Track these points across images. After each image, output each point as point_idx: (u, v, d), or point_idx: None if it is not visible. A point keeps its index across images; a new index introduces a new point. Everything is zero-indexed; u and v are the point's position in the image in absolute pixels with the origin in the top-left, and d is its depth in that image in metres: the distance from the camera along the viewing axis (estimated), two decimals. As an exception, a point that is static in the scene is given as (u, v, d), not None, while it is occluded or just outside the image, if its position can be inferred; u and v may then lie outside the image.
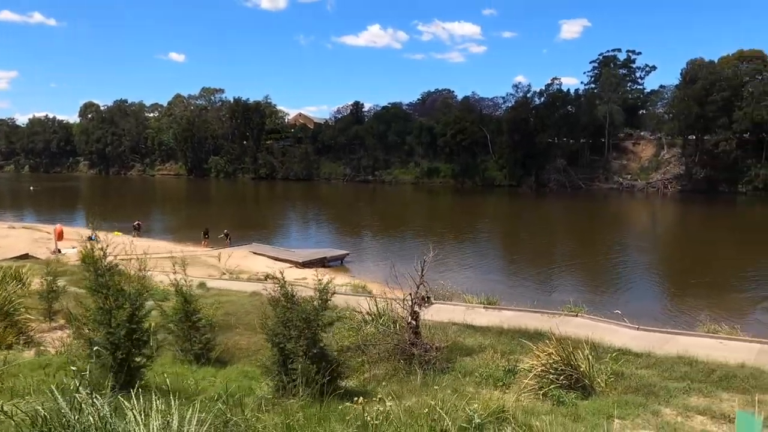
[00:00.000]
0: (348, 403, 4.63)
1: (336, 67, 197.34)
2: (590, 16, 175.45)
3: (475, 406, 5.14)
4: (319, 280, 6.23)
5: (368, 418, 4.16)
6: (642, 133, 78.25)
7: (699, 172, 63.44)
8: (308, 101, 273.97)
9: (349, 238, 38.45)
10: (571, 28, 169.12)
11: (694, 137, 65.53)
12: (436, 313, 11.60)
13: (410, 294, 8.06)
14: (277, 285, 6.25)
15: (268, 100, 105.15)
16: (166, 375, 5.15)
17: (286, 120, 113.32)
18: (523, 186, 72.93)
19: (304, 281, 25.05)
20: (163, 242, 33.70)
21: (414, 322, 8.00)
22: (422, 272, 8.18)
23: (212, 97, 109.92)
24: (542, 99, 76.64)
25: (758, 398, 6.34)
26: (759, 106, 58.72)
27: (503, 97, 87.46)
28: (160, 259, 26.93)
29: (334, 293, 6.34)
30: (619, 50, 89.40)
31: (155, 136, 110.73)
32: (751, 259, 27.01)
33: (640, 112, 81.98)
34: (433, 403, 4.93)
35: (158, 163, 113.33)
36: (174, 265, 9.03)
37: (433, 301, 8.84)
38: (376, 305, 9.23)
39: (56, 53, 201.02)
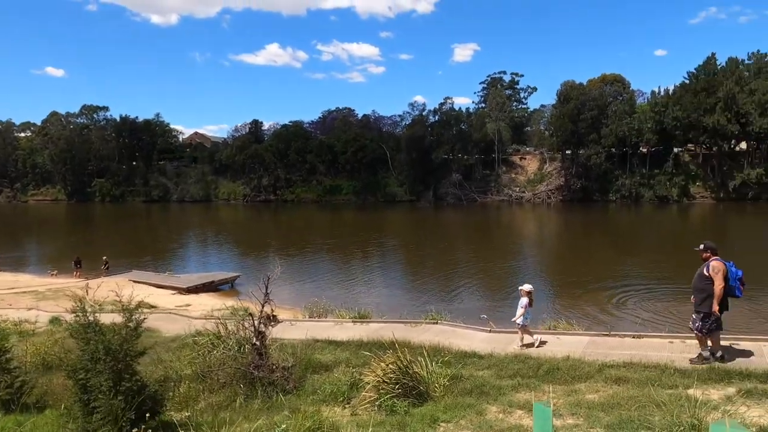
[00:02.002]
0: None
1: (235, 86, 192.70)
2: (480, 41, 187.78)
3: (284, 426, 4.99)
4: (123, 305, 5.73)
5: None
6: (528, 149, 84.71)
7: (576, 183, 69.73)
8: (207, 120, 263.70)
9: (246, 260, 37.02)
10: (462, 52, 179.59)
11: (570, 152, 72.04)
12: (303, 330, 11.41)
13: (250, 315, 7.77)
14: (79, 312, 5.65)
15: (160, 119, 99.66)
16: None
17: (180, 139, 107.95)
18: (422, 200, 75.45)
19: (187, 308, 23.64)
20: (27, 276, 30.22)
21: (258, 343, 7.70)
22: (266, 290, 7.94)
23: (95, 115, 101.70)
24: (436, 117, 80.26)
25: (567, 389, 6.84)
26: (621, 123, 66.09)
27: (400, 115, 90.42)
28: (16, 295, 24.07)
29: (145, 318, 5.87)
30: (505, 72, 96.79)
31: (27, 157, 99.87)
32: (619, 258, 29.98)
33: (525, 129, 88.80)
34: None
35: (32, 188, 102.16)
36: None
37: (280, 319, 8.58)
38: (225, 328, 8.80)
39: None
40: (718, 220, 52.83)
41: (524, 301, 9.52)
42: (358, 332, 10.93)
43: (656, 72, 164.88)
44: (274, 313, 7.94)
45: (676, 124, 63.48)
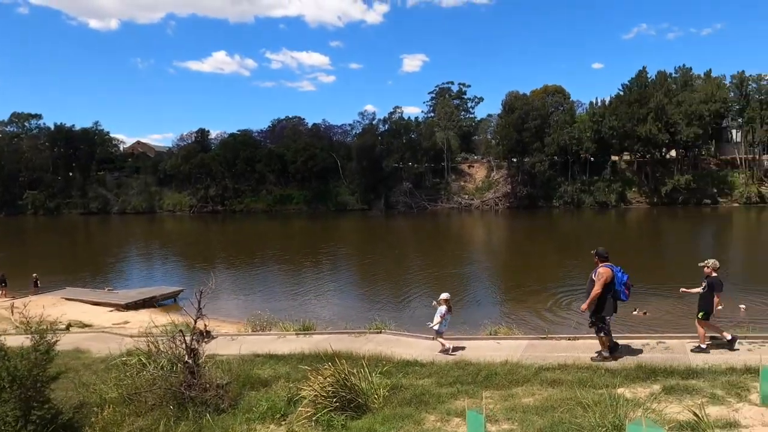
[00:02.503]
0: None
1: (180, 94, 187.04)
2: (428, 52, 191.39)
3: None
4: (29, 324, 5.32)
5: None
6: (476, 157, 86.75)
7: (522, 190, 71.97)
8: (151, 129, 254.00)
9: (191, 273, 35.66)
10: (412, 62, 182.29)
11: (516, 160, 74.35)
12: (244, 345, 11.04)
13: (181, 331, 7.43)
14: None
15: (99, 127, 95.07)
16: None
17: (122, 149, 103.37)
18: (373, 209, 75.63)
19: (125, 325, 22.50)
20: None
21: (190, 361, 7.36)
22: (199, 305, 7.62)
23: (27, 124, 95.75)
24: (386, 126, 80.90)
25: (504, 393, 6.94)
26: (562, 133, 68.90)
27: (351, 124, 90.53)
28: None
29: (57, 341, 5.47)
30: (453, 83, 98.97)
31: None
32: (561, 262, 31.07)
33: (473, 137, 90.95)
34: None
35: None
36: None
37: (215, 335, 8.27)
38: (157, 346, 8.36)
39: None
40: (651, 223, 55.92)
41: (443, 309, 9.76)
42: (301, 345, 10.70)
43: (594, 84, 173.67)
44: (207, 329, 7.62)
45: (612, 133, 66.89)
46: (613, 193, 68.28)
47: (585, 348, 9.02)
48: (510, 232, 55.74)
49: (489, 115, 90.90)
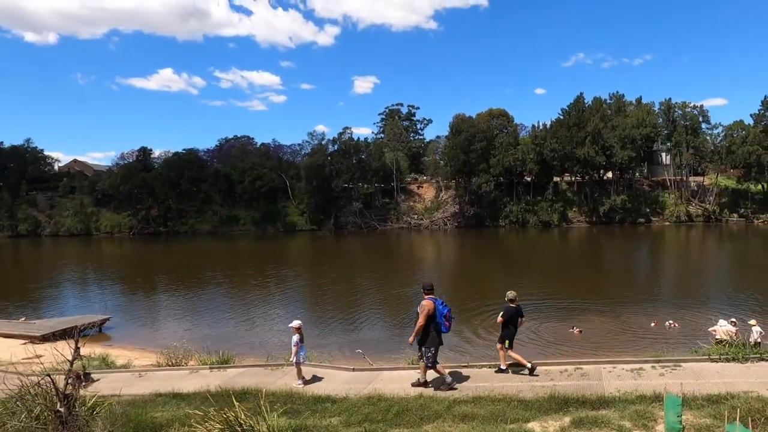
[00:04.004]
0: None
1: (124, 111, 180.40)
2: (379, 75, 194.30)
3: None
4: None
5: None
6: (425, 178, 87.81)
7: (469, 210, 73.20)
8: (92, 147, 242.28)
9: (124, 299, 33.59)
10: (363, 84, 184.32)
11: (463, 180, 75.71)
12: (151, 382, 10.16)
13: (48, 375, 6.59)
14: None
15: (31, 145, 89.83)
16: None
17: (57, 167, 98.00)
18: (323, 229, 74.76)
19: (37, 360, 20.67)
20: None
21: (63, 410, 6.52)
22: (77, 344, 6.82)
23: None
24: (336, 146, 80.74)
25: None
26: (507, 154, 70.92)
27: (300, 144, 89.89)
28: None
29: None
30: (402, 105, 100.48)
31: None
32: (507, 281, 31.33)
33: (423, 158, 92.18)
34: None
35: None
36: None
37: (94, 377, 7.45)
38: (36, 389, 7.42)
39: None
40: (591, 241, 57.97)
41: (295, 338, 9.39)
42: (212, 381, 9.93)
43: (536, 108, 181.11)
44: (86, 371, 6.82)
45: (553, 155, 69.48)
46: (555, 213, 70.58)
47: (504, 377, 8.79)
48: (458, 252, 56.26)
49: (437, 137, 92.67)
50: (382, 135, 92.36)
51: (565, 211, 71.83)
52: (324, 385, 9.11)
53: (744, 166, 66.45)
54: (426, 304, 8.46)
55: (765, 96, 70.37)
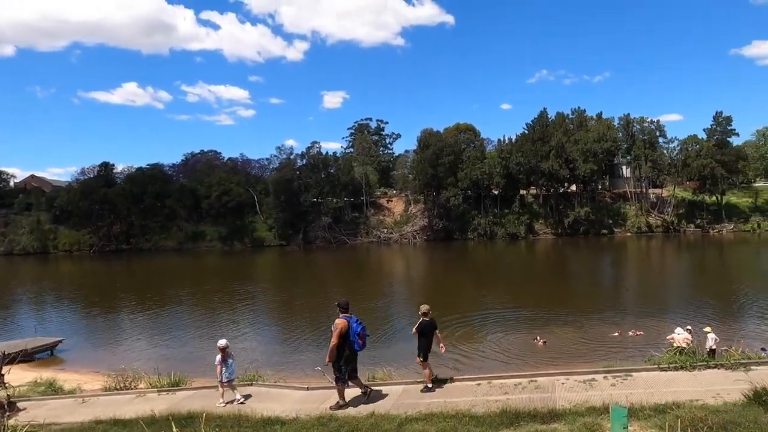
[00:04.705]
0: None
1: (86, 125, 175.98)
2: (348, 89, 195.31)
3: None
4: None
5: None
6: (394, 192, 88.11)
7: (438, 223, 73.67)
8: (52, 162, 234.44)
9: (79, 320, 32.15)
10: (332, 99, 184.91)
11: (432, 194, 76.28)
12: (94, 408, 9.64)
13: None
14: None
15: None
16: None
17: (12, 183, 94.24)
18: (291, 244, 73.89)
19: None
20: None
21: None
22: (0, 372, 6.37)
23: None
24: (305, 161, 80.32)
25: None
26: (474, 168, 71.94)
27: (268, 159, 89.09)
28: None
29: None
30: (371, 119, 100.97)
31: None
32: (474, 292, 31.57)
33: (392, 172, 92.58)
34: None
35: None
36: None
37: (20, 406, 6.99)
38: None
39: None
40: (556, 252, 59.03)
41: (217, 358, 9.23)
42: (158, 405, 9.48)
43: (503, 123, 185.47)
44: (11, 400, 6.38)
45: (519, 168, 70.83)
46: (522, 225, 71.72)
47: (458, 391, 8.69)
48: (426, 265, 56.36)
49: (406, 151, 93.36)
50: (352, 149, 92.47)
51: (532, 223, 73.08)
52: (275, 406, 8.81)
53: (699, 179, 69.19)
54: (339, 322, 8.41)
55: (716, 112, 73.93)
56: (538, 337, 19.48)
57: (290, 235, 75.50)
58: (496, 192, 75.55)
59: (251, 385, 10.28)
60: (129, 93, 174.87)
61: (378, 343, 20.84)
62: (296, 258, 64.14)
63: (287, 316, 28.76)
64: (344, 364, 8.34)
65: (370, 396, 8.68)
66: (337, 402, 8.66)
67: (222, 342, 9.29)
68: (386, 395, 8.95)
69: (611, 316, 23.85)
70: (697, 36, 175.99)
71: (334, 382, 8.72)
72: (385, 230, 78.02)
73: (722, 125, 71.16)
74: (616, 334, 19.80)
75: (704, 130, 73.64)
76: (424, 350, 8.94)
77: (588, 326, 21.79)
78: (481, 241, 71.54)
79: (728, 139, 70.95)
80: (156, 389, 10.79)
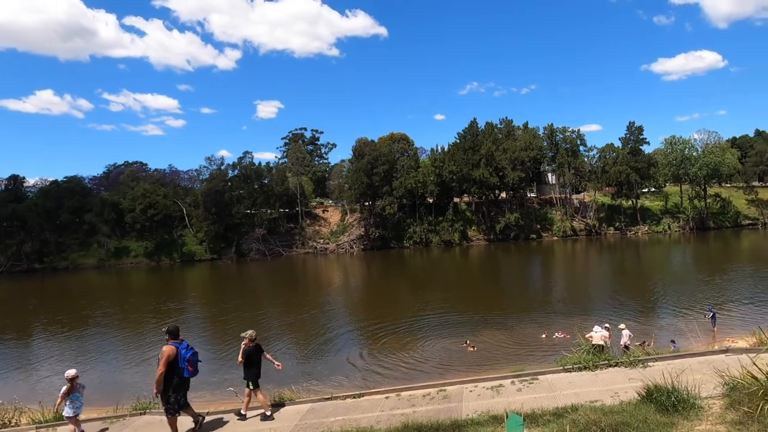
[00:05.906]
0: None
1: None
2: (282, 99, 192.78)
3: None
4: None
5: None
6: (330, 202, 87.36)
7: (374, 232, 73.72)
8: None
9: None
10: (266, 109, 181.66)
11: (368, 203, 76.30)
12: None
13: None
14: None
15: None
16: None
17: None
18: (223, 258, 71.25)
19: None
20: None
21: None
22: None
23: None
24: (236, 171, 77.94)
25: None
26: (409, 177, 72.75)
27: (197, 170, 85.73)
28: None
29: None
30: (306, 129, 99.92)
31: None
32: (408, 300, 31.51)
33: (328, 182, 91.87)
34: None
35: None
36: None
37: None
38: None
39: None
40: (489, 258, 60.66)
41: (63, 389, 8.41)
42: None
43: (437, 132, 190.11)
44: None
45: (452, 177, 72.42)
46: (456, 232, 73.24)
47: (366, 406, 8.36)
48: (363, 274, 56.04)
49: (342, 161, 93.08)
50: (286, 159, 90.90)
51: (465, 230, 74.81)
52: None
53: (616, 184, 73.81)
54: (166, 350, 7.90)
55: (629, 122, 79.41)
56: (467, 342, 19.62)
57: (222, 248, 72.81)
58: (430, 200, 76.74)
59: (144, 414, 9.42)
60: (44, 101, 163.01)
61: (311, 357, 20.24)
62: (228, 271, 61.80)
63: (216, 332, 27.39)
64: (173, 393, 7.77)
65: (201, 425, 8.16)
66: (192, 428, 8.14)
67: (70, 372, 8.28)
68: (291, 414, 8.45)
69: (540, 317, 24.58)
70: (613, 53, 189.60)
71: (165, 414, 8.05)
72: (322, 240, 77.05)
73: (635, 134, 76.42)
74: (543, 336, 20.33)
75: (620, 139, 78.93)
76: (253, 377, 8.59)
77: (518, 329, 22.29)
78: (417, 248, 72.30)
79: (641, 147, 76.27)
80: (35, 425, 9.67)
